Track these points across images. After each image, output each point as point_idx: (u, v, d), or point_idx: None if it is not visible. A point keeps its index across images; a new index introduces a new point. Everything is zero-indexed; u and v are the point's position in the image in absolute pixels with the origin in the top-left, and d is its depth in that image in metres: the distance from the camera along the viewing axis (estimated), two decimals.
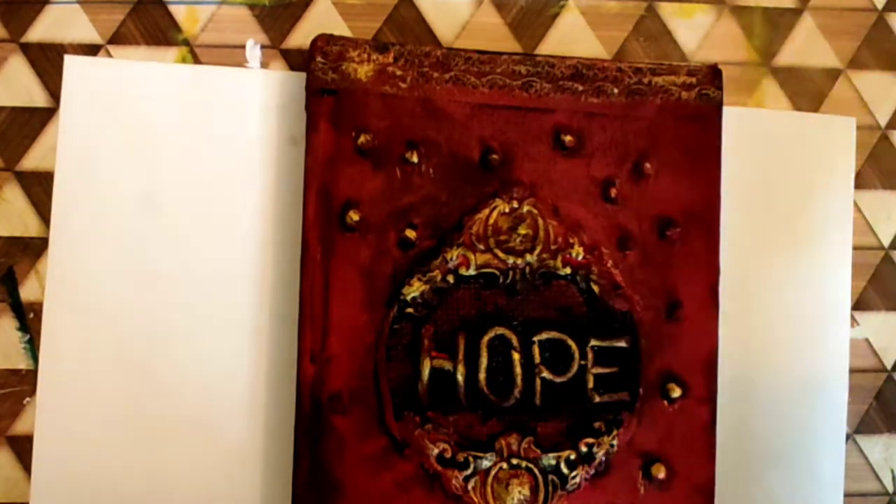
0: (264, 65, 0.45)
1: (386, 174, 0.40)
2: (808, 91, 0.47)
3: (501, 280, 0.40)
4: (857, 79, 0.48)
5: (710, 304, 0.41)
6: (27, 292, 0.43)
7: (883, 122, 0.48)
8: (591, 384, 0.40)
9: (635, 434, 0.40)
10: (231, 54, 0.45)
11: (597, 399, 0.40)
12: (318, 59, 0.41)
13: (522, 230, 0.41)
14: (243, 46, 0.45)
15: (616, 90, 0.42)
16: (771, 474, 0.45)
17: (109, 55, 0.44)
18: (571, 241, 0.41)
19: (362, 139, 0.40)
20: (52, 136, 0.43)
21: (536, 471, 0.39)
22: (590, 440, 0.40)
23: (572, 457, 0.40)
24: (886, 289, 0.47)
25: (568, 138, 0.41)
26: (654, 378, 0.41)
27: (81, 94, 0.43)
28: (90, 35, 0.44)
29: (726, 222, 0.42)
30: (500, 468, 0.39)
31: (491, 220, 0.41)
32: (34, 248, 0.43)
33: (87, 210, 0.43)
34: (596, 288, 0.41)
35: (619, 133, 0.42)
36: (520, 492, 0.39)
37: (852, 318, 0.47)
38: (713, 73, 0.43)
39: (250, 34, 0.45)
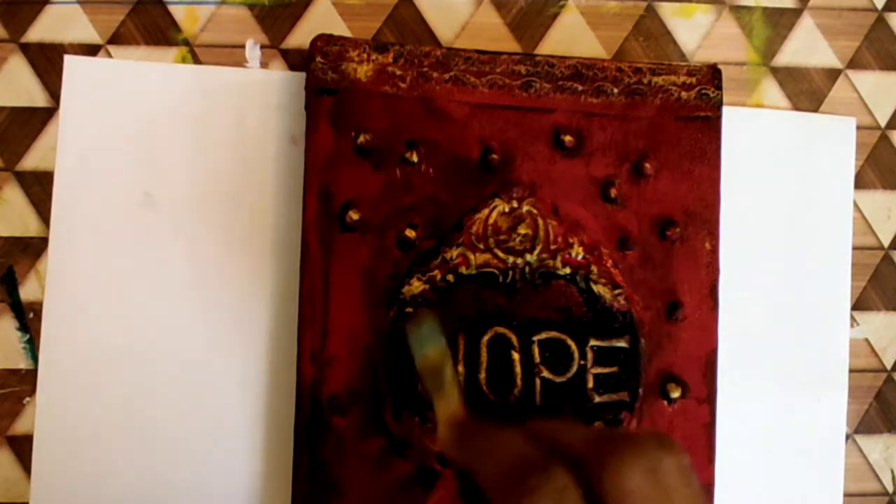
0: (264, 65, 0.45)
1: (386, 174, 0.40)
2: (807, 91, 0.47)
3: (501, 280, 0.40)
4: (857, 79, 0.48)
5: (709, 304, 0.41)
6: (27, 292, 0.43)
7: (883, 121, 0.48)
8: (590, 384, 0.40)
9: None
10: (231, 54, 0.45)
11: (596, 399, 0.40)
12: (318, 58, 0.41)
13: (522, 230, 0.41)
14: (243, 46, 0.45)
15: (616, 90, 0.42)
16: (771, 474, 0.45)
17: (109, 55, 0.44)
18: (571, 240, 0.41)
19: (362, 139, 0.40)
20: (52, 136, 0.43)
21: None
22: None
23: None
24: (886, 289, 0.47)
25: (567, 138, 0.41)
26: (653, 378, 0.41)
27: (81, 94, 0.43)
28: (90, 35, 0.44)
29: (726, 222, 0.42)
30: None
31: (490, 220, 0.41)
32: (34, 247, 0.43)
33: (86, 210, 0.43)
34: (596, 288, 0.41)
35: (618, 133, 0.42)
36: None
37: (852, 318, 0.47)
38: (713, 73, 0.43)
39: (250, 34, 0.45)
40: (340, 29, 0.45)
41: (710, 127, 0.42)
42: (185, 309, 0.43)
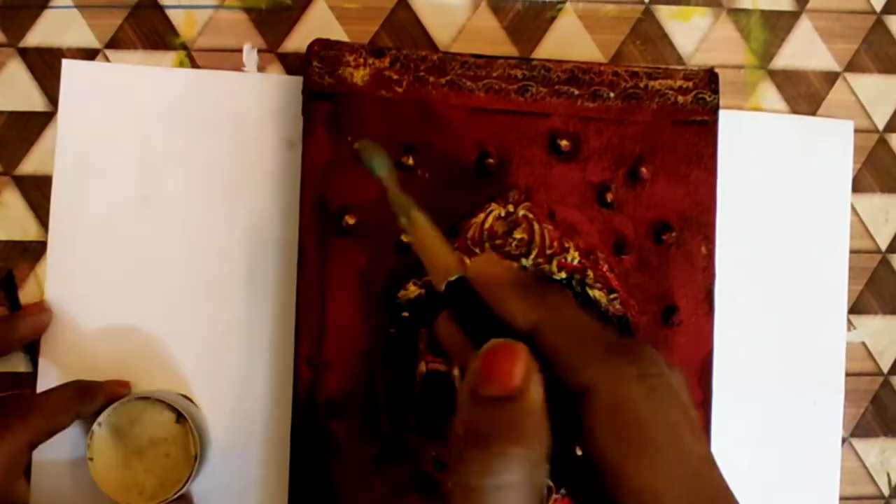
0: (261, 69, 0.45)
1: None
2: (805, 94, 0.47)
3: None
4: (855, 82, 0.48)
5: (705, 309, 0.41)
6: (26, 296, 0.43)
7: (881, 125, 0.48)
8: None
9: None
10: (228, 58, 0.45)
11: None
12: (315, 63, 0.41)
13: (518, 234, 0.41)
14: (240, 50, 0.45)
15: (612, 94, 0.42)
16: (767, 478, 0.45)
17: (107, 59, 0.44)
18: (567, 245, 0.41)
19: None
20: (51, 140, 0.43)
21: None
22: None
23: None
24: (883, 292, 0.47)
25: (564, 143, 0.41)
26: None
27: (79, 98, 0.44)
28: (88, 39, 0.44)
29: (723, 226, 0.42)
30: None
31: (487, 225, 0.41)
32: (33, 251, 0.43)
33: (85, 213, 0.43)
34: (591, 292, 0.41)
35: (615, 137, 0.42)
36: None
37: (849, 321, 0.47)
38: (710, 77, 0.42)
39: (247, 38, 0.45)
40: (337, 33, 0.45)
41: (707, 131, 0.42)
42: (182, 313, 0.43)
